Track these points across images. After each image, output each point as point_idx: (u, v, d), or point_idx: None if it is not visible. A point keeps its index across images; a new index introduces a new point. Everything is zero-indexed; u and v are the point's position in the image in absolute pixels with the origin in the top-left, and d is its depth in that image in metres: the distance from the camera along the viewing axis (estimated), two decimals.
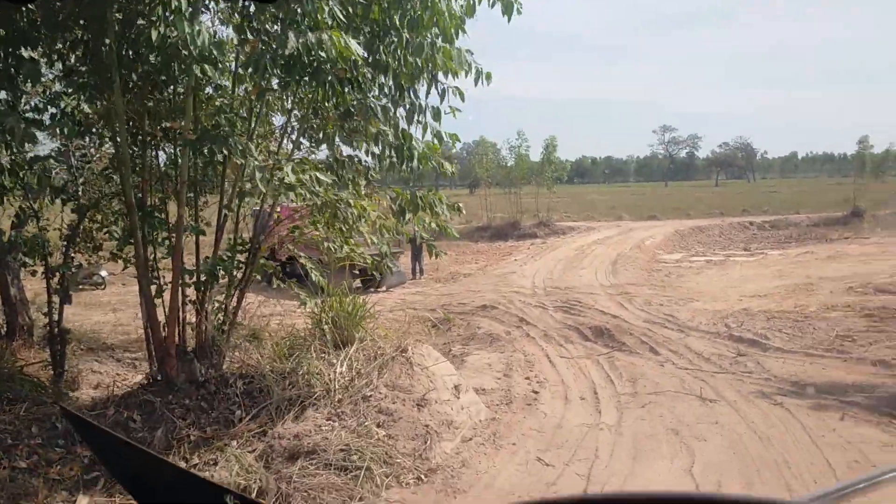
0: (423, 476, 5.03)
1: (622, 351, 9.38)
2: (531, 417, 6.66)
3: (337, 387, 5.66)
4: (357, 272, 13.76)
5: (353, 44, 4.59)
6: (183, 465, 5.18)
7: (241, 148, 4.90)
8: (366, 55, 5.22)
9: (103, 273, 14.92)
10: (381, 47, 5.37)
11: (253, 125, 6.00)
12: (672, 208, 42.44)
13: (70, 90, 5.69)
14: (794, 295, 13.10)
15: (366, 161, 6.23)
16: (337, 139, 6.08)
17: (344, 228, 6.21)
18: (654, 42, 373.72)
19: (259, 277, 6.65)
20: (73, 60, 5.74)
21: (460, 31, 5.66)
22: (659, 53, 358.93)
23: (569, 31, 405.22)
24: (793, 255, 20.07)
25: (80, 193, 6.71)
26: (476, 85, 5.78)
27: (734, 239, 26.85)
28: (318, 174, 5.29)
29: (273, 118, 6.93)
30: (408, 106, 5.83)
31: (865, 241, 23.32)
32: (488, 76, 5.80)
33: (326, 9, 4.64)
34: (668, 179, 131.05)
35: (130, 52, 5.40)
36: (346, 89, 5.50)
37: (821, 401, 6.84)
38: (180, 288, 5.97)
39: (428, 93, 5.71)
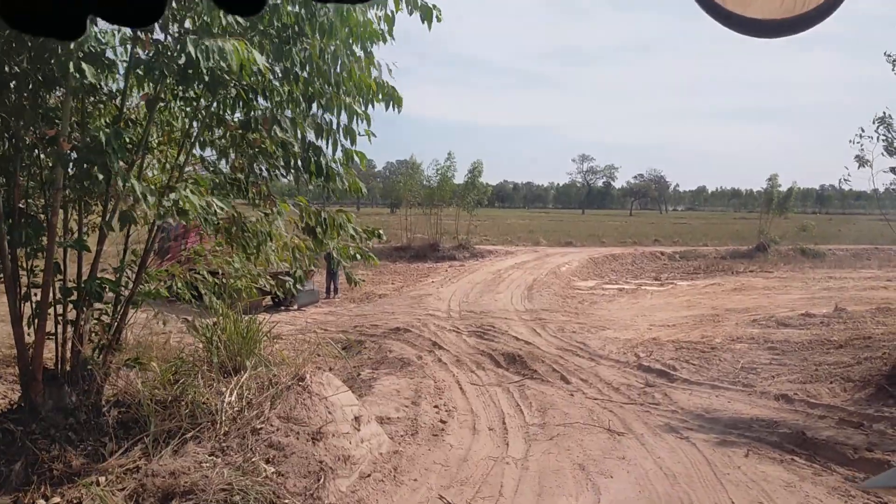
0: None
1: (534, 379, 9.25)
2: (436, 450, 6.37)
3: (224, 418, 5.18)
4: (267, 290, 13.19)
5: (256, 54, 4.22)
6: (43, 502, 4.63)
7: (120, 170, 4.24)
8: (269, 64, 4.85)
9: None
10: (294, 53, 5.01)
11: (143, 135, 5.49)
12: (588, 235, 43.40)
13: None
14: (701, 325, 13.40)
15: (265, 175, 5.86)
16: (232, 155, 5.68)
17: (249, 247, 5.76)
18: (574, 73, 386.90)
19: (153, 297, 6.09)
20: None
21: (380, 43, 5.43)
22: (580, 85, 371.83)
23: (491, 57, 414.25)
24: (701, 287, 20.69)
25: None
26: (386, 110, 5.56)
27: (646, 268, 27.51)
28: (216, 201, 4.80)
29: (173, 124, 6.44)
30: (318, 119, 5.52)
31: (769, 274, 24.37)
32: (398, 101, 5.58)
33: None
34: (585, 207, 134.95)
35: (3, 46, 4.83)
36: (252, 99, 5.14)
37: (726, 436, 6.85)
38: (55, 305, 5.40)
39: (339, 112, 5.41)
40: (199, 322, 6.24)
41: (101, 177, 4.24)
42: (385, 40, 5.56)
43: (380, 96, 5.61)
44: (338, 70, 5.40)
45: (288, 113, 5.45)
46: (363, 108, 5.56)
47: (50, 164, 5.63)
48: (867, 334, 11.31)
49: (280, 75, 5.28)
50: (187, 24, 4.81)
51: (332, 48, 5.29)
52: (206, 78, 4.56)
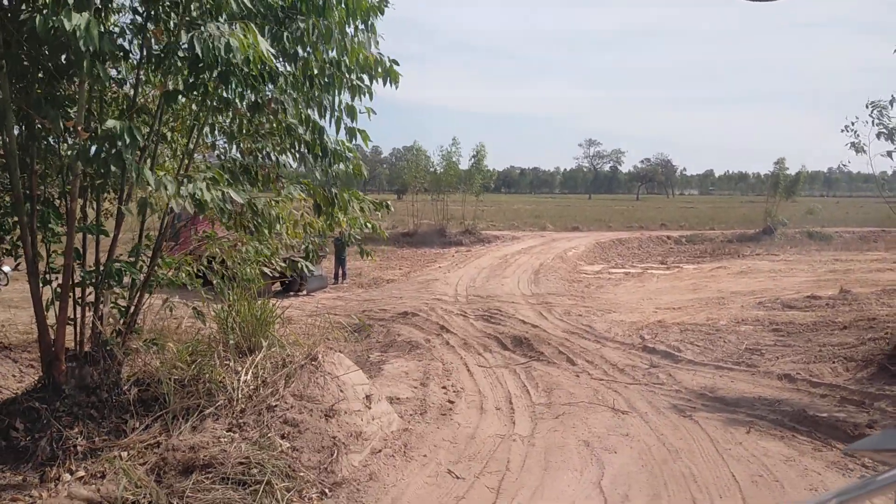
0: (327, 490, 4.82)
1: (540, 361, 9.39)
2: (445, 428, 6.53)
3: (240, 396, 5.36)
4: (277, 274, 13.40)
5: (261, 40, 4.32)
6: (68, 476, 4.83)
7: (132, 164, 4.28)
8: (273, 49, 4.97)
9: (5, 269, 14.03)
10: (286, 35, 5.12)
11: (156, 125, 5.62)
12: (594, 220, 43.50)
13: None
14: (706, 308, 13.51)
15: (272, 159, 5.99)
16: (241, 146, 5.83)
17: (261, 226, 5.89)
18: (579, 59, 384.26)
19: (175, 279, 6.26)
20: None
21: (377, 17, 5.54)
22: (584, 70, 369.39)
23: (496, 43, 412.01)
24: (707, 270, 20.77)
25: None
26: (384, 86, 5.67)
27: (652, 252, 27.60)
28: (231, 191, 4.87)
29: (185, 110, 6.57)
30: (317, 98, 5.65)
31: (775, 257, 24.41)
32: (394, 77, 5.68)
33: None
34: (592, 192, 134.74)
35: (20, 39, 4.95)
36: (258, 83, 5.25)
37: (729, 414, 6.99)
38: (75, 289, 5.57)
39: (340, 90, 5.53)
40: (211, 306, 6.40)
41: (114, 168, 4.36)
42: (382, 12, 5.65)
43: (379, 70, 5.70)
44: (334, 48, 5.49)
45: (291, 94, 5.56)
46: (365, 84, 5.67)
47: (67, 153, 5.78)
48: (871, 315, 11.40)
49: (280, 57, 5.39)
50: (193, 11, 4.90)
51: (326, 24, 5.36)
52: (219, 69, 4.66)
